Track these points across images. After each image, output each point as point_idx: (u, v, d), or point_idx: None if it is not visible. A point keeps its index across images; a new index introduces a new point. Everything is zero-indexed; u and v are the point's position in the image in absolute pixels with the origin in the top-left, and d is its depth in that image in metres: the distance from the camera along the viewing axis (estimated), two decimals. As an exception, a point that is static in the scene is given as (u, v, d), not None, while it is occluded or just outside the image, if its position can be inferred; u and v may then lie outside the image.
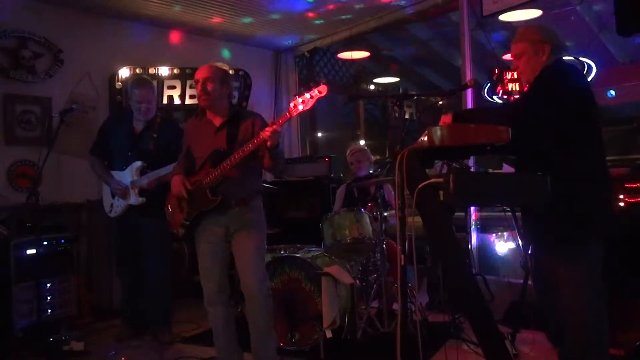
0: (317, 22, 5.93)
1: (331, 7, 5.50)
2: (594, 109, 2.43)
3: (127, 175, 3.95)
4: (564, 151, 2.34)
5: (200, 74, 3.04)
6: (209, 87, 3.00)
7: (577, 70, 2.56)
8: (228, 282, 3.16)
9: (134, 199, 3.93)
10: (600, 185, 2.41)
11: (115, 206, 4.03)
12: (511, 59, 2.65)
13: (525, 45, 2.54)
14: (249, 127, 3.04)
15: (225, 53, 6.39)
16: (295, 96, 2.78)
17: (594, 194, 2.37)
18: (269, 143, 2.79)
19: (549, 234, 2.42)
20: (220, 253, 3.09)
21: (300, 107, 2.74)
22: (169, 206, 3.22)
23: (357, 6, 5.51)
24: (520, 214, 2.80)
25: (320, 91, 2.66)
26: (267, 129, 2.78)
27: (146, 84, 4.08)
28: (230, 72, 3.26)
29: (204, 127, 3.13)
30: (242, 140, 2.96)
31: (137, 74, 5.26)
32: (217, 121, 3.10)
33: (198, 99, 3.09)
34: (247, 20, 5.72)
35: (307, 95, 2.71)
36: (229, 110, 3.11)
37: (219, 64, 3.12)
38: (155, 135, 3.96)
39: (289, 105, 2.78)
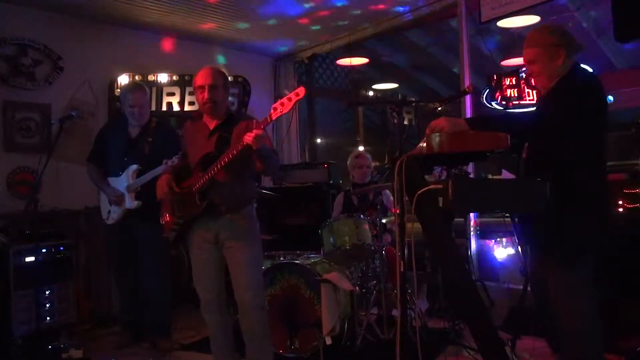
0: (315, 28, 5.94)
1: (326, 13, 5.51)
2: (606, 123, 2.37)
3: (123, 181, 3.95)
4: (571, 159, 2.30)
5: (203, 80, 2.95)
6: (215, 94, 2.95)
7: (596, 82, 2.37)
8: (224, 288, 3.10)
9: (130, 202, 3.92)
10: (598, 199, 2.35)
11: (112, 212, 4.02)
12: (523, 63, 2.53)
13: (538, 51, 2.40)
14: (243, 131, 2.88)
15: (224, 60, 6.40)
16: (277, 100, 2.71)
17: (591, 210, 2.31)
18: (254, 147, 2.67)
19: (543, 243, 2.42)
20: (213, 260, 3.03)
21: (279, 110, 2.62)
22: (163, 210, 3.18)
23: (355, 12, 5.52)
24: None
25: (297, 93, 2.57)
26: (249, 133, 2.67)
27: (139, 88, 4.12)
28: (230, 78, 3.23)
29: (199, 131, 3.09)
30: (235, 145, 2.86)
31: (135, 80, 5.28)
32: (212, 125, 3.05)
33: (202, 106, 3.01)
34: (243, 26, 5.73)
35: (285, 98, 2.61)
36: (224, 114, 3.06)
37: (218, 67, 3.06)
38: (150, 139, 3.98)
39: (270, 109, 2.68)
